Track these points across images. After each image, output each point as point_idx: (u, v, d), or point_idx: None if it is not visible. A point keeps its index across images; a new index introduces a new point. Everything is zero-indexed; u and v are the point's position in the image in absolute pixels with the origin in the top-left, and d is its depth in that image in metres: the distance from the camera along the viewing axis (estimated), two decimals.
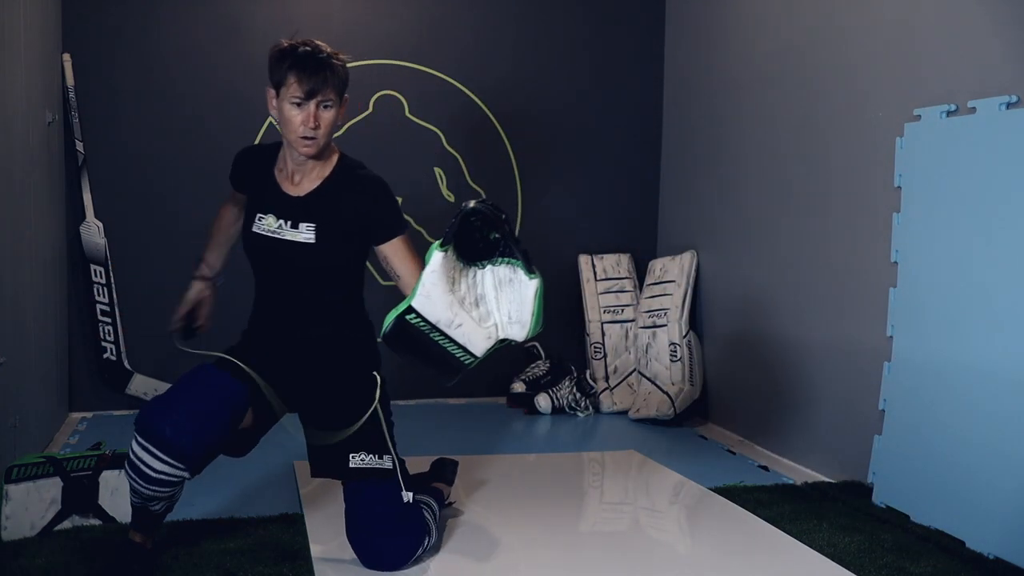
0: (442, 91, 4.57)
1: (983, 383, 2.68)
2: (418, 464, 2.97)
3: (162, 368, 4.33)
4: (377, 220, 2.44)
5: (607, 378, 4.56)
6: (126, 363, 4.26)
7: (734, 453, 3.79)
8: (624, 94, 4.80)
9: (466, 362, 2.30)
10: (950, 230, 2.82)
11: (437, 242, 2.22)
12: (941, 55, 2.91)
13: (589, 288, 4.69)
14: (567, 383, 4.48)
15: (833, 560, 2.55)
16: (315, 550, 2.58)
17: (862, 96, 3.26)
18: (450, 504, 2.90)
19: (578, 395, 4.45)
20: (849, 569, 2.49)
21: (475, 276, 2.29)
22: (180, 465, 2.26)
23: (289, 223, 2.40)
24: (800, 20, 3.65)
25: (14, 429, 3.12)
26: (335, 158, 2.49)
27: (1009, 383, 2.59)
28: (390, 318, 2.23)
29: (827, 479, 3.36)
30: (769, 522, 2.84)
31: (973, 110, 2.74)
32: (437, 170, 4.59)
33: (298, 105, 2.32)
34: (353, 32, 4.47)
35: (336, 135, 4.70)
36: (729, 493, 3.15)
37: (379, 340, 2.34)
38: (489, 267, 2.28)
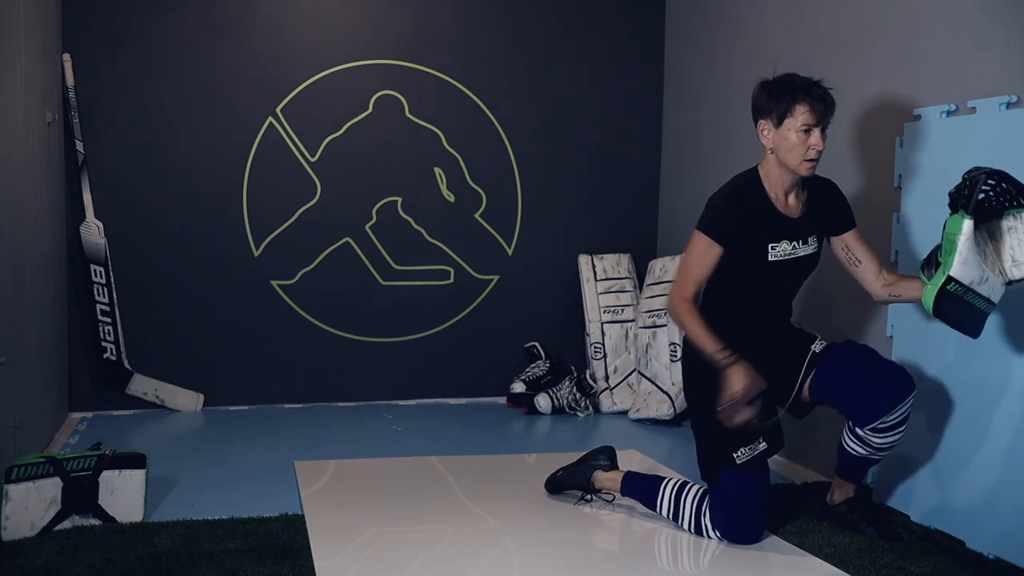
0: (442, 91, 4.57)
1: (983, 383, 2.68)
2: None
3: (162, 368, 4.34)
4: (843, 215, 2.75)
5: (607, 378, 4.56)
6: (126, 363, 4.26)
7: None
8: (624, 94, 4.80)
9: (988, 312, 2.47)
10: None
11: (960, 212, 2.39)
12: (941, 55, 2.91)
13: (589, 288, 4.69)
14: (567, 383, 4.48)
15: (833, 560, 2.55)
16: (315, 550, 2.58)
17: (862, 96, 3.26)
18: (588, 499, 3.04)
19: (578, 395, 4.45)
20: (849, 569, 2.49)
21: (986, 231, 2.47)
22: None
23: (800, 242, 2.68)
24: (800, 20, 3.65)
25: (14, 429, 3.12)
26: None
27: (1009, 384, 2.59)
28: (931, 294, 2.41)
29: (827, 479, 3.35)
30: (769, 522, 2.84)
31: (973, 110, 2.74)
32: (437, 170, 4.59)
33: (806, 131, 2.57)
34: (353, 32, 4.47)
35: (336, 135, 4.74)
36: None
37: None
38: (999, 220, 2.46)
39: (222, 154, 4.35)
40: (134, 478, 2.78)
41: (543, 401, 4.42)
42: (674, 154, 4.74)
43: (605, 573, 2.52)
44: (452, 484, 3.25)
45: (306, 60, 4.40)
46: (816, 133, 2.57)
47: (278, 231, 4.43)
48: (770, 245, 2.64)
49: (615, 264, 4.74)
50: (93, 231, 4.19)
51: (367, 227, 4.51)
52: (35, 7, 3.55)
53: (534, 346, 4.69)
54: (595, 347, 4.61)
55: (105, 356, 4.21)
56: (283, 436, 3.93)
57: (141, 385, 4.28)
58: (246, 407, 4.41)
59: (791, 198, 2.69)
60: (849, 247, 2.74)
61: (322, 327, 4.49)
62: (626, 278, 4.71)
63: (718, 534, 2.70)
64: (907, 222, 3.00)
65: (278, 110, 4.39)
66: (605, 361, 4.59)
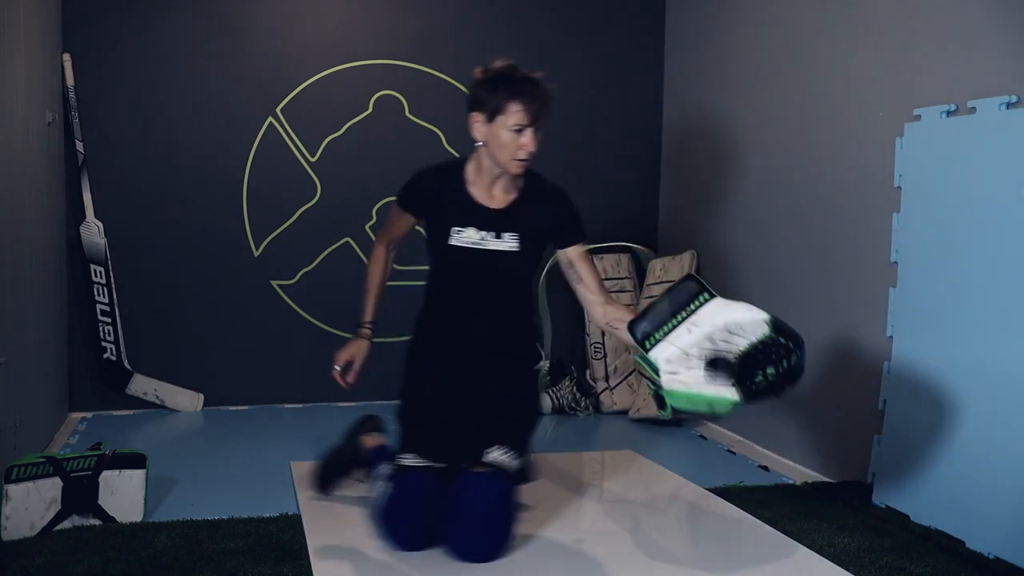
0: (442, 91, 4.57)
1: (983, 383, 2.68)
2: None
3: (162, 368, 4.34)
4: (566, 227, 2.67)
5: (607, 378, 4.56)
6: (126, 363, 4.26)
7: (734, 453, 3.79)
8: (624, 94, 4.80)
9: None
10: (950, 230, 2.82)
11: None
12: (941, 55, 2.91)
13: None
14: (567, 383, 4.48)
15: (833, 560, 2.55)
16: (314, 550, 2.58)
17: (862, 96, 3.26)
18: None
19: (578, 395, 4.45)
20: (849, 569, 2.49)
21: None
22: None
23: (492, 234, 2.58)
24: (800, 20, 3.65)
25: (14, 429, 3.12)
26: (524, 178, 2.66)
27: (1009, 383, 2.59)
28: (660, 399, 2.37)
29: (827, 479, 3.36)
30: (769, 522, 2.84)
31: (973, 110, 2.74)
32: None
33: (518, 131, 2.48)
34: (353, 32, 4.47)
35: (336, 135, 4.75)
36: (729, 493, 3.15)
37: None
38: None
39: (222, 154, 4.35)
40: (134, 478, 2.78)
41: (543, 401, 4.42)
42: (674, 154, 4.74)
43: (606, 572, 2.52)
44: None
45: (306, 60, 4.40)
46: (528, 133, 2.47)
47: (278, 231, 4.43)
48: (454, 228, 2.57)
49: (615, 264, 4.74)
50: (93, 231, 4.19)
51: (367, 227, 4.51)
52: (35, 7, 3.55)
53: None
54: (595, 347, 4.61)
55: (105, 356, 4.21)
56: (283, 436, 3.93)
57: (141, 385, 4.28)
58: (246, 407, 4.41)
59: (496, 190, 2.60)
60: (572, 263, 2.68)
61: (322, 327, 4.48)
62: (626, 278, 4.71)
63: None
64: (907, 222, 3.00)
65: (278, 110, 4.39)
66: (605, 361, 4.59)
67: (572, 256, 2.68)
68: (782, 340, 2.29)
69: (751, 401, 2.34)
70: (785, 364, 2.31)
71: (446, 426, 2.62)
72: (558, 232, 2.67)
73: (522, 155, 2.50)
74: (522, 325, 2.74)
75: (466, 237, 2.57)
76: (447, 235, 2.58)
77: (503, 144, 2.49)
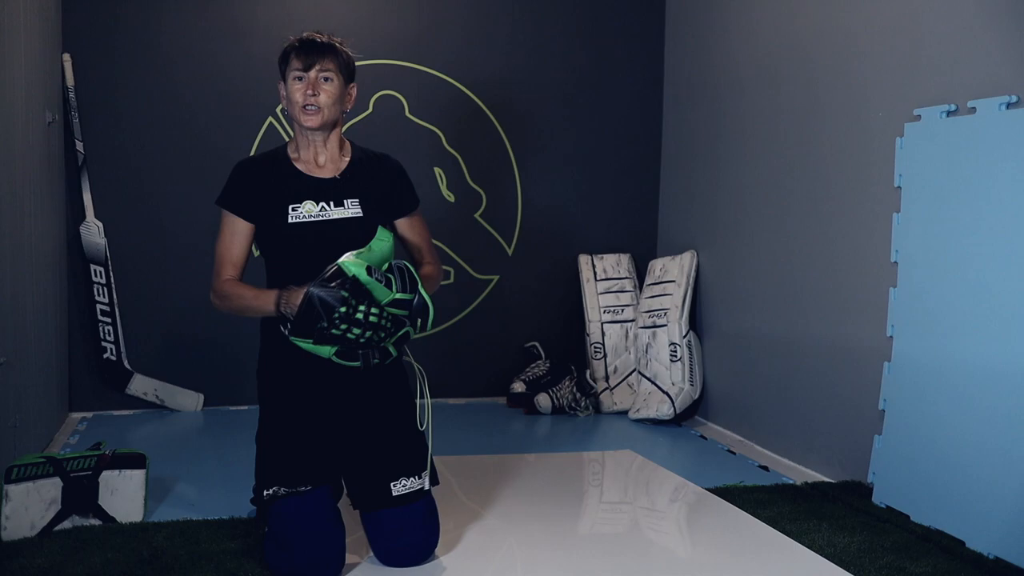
0: (442, 91, 4.57)
1: (983, 383, 2.68)
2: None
3: (162, 368, 4.34)
4: (400, 194, 2.58)
5: (607, 378, 4.56)
6: (126, 363, 4.26)
7: (734, 453, 3.79)
8: (624, 94, 4.80)
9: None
10: (950, 230, 2.82)
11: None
12: (941, 55, 2.91)
13: (589, 288, 4.69)
14: (567, 383, 4.48)
15: (833, 560, 2.55)
16: None
17: (862, 96, 3.26)
18: None
19: (578, 395, 4.45)
20: (849, 569, 2.49)
21: None
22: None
23: (332, 203, 2.45)
24: (800, 20, 3.65)
25: (14, 429, 3.12)
26: (348, 145, 2.58)
27: (1009, 383, 2.59)
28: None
29: (827, 479, 3.35)
30: (769, 522, 2.84)
31: (973, 110, 2.74)
32: (437, 170, 4.59)
33: (299, 79, 2.42)
34: (353, 32, 4.45)
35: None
36: (729, 493, 3.15)
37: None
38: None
39: (222, 154, 4.34)
40: (134, 478, 2.78)
41: (543, 401, 4.42)
42: (674, 154, 4.74)
43: (607, 572, 2.52)
44: (452, 484, 3.24)
45: None
46: (309, 76, 2.40)
47: None
48: (290, 207, 2.41)
49: (615, 264, 4.74)
50: (93, 231, 4.19)
51: None
52: (35, 7, 3.55)
53: (534, 346, 4.69)
54: (595, 347, 4.61)
55: (105, 356, 4.21)
56: None
57: (141, 385, 4.28)
58: (246, 407, 4.41)
59: (322, 159, 2.49)
60: (406, 232, 2.60)
61: None
62: (626, 278, 4.72)
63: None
64: (907, 222, 3.00)
65: (278, 110, 4.39)
66: (605, 361, 4.59)
67: (407, 224, 2.59)
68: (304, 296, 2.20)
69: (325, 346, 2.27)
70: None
71: (313, 448, 2.44)
72: (397, 197, 2.57)
73: (302, 100, 2.40)
74: None
75: (305, 212, 2.42)
76: (284, 216, 2.41)
77: (291, 99, 2.43)
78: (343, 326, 2.21)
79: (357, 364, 2.38)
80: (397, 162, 2.62)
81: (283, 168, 2.49)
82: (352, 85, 2.51)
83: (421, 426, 2.54)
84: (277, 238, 2.45)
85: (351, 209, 2.45)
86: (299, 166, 2.49)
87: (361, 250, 2.29)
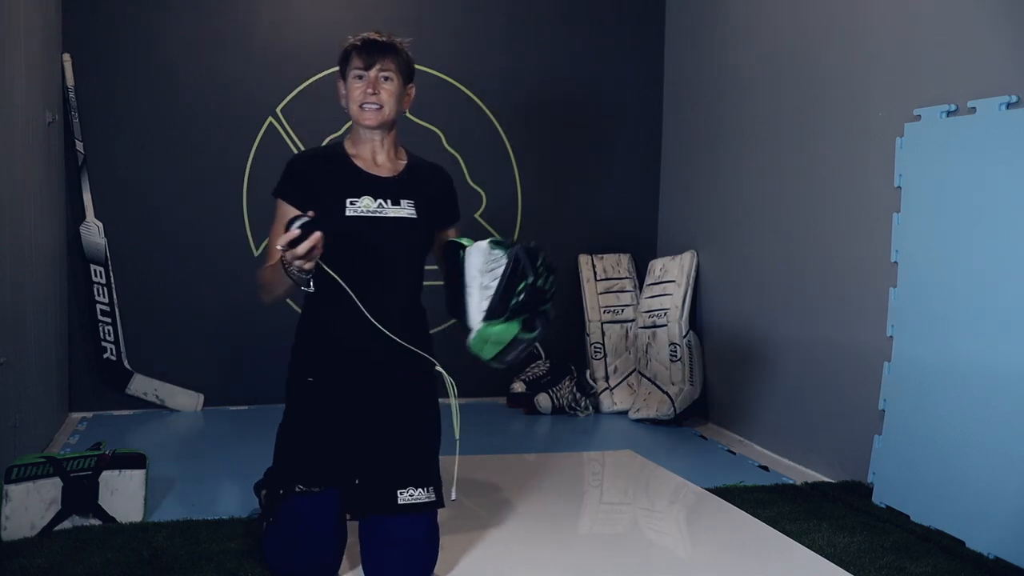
0: (442, 91, 4.57)
1: (983, 383, 2.68)
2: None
3: (162, 368, 4.33)
4: (449, 206, 2.62)
5: (607, 378, 4.56)
6: (126, 363, 4.26)
7: (734, 453, 3.79)
8: (624, 94, 4.80)
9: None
10: (950, 230, 2.82)
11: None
12: (941, 55, 2.91)
13: (589, 288, 4.69)
14: (567, 383, 4.48)
15: (833, 560, 2.55)
16: None
17: (862, 96, 3.26)
18: None
19: (578, 395, 4.45)
20: (849, 569, 2.49)
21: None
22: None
23: (389, 201, 2.47)
24: (800, 20, 3.65)
25: (14, 429, 3.12)
26: (403, 149, 2.60)
27: (1009, 383, 2.59)
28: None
29: (827, 479, 3.35)
30: (769, 522, 2.84)
31: (973, 110, 2.74)
32: None
33: (359, 77, 2.45)
34: (353, 32, 4.45)
35: (336, 134, 4.74)
36: (729, 493, 3.15)
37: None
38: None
39: (222, 154, 4.35)
40: (134, 478, 2.78)
41: (543, 401, 4.42)
42: (674, 154, 4.74)
43: (607, 572, 2.52)
44: (452, 484, 3.25)
45: (306, 60, 4.40)
46: (370, 75, 2.43)
47: None
48: (349, 200, 2.43)
49: (615, 264, 4.74)
50: (93, 231, 4.19)
51: None
52: (35, 7, 3.55)
53: (534, 346, 4.68)
54: (595, 347, 4.61)
55: (105, 356, 4.21)
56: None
57: (141, 385, 4.28)
58: (246, 407, 4.41)
59: (380, 158, 2.51)
60: (440, 245, 2.57)
61: None
62: (626, 278, 4.72)
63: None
64: (907, 222, 3.00)
65: (278, 110, 4.39)
66: (605, 361, 4.59)
67: (448, 237, 2.56)
68: (509, 256, 2.23)
69: (515, 321, 2.29)
70: (531, 281, 2.23)
71: (334, 450, 2.46)
72: (446, 208, 2.60)
73: (362, 98, 2.43)
74: (417, 324, 2.61)
75: (363, 206, 2.44)
76: (341, 208, 2.42)
77: (352, 97, 2.46)
78: (550, 277, 2.24)
79: (535, 334, 2.36)
80: (449, 175, 2.65)
81: (342, 163, 2.51)
82: (411, 86, 2.54)
83: (455, 436, 2.50)
84: (333, 230, 2.36)
85: (407, 209, 2.47)
86: (358, 163, 2.52)
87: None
